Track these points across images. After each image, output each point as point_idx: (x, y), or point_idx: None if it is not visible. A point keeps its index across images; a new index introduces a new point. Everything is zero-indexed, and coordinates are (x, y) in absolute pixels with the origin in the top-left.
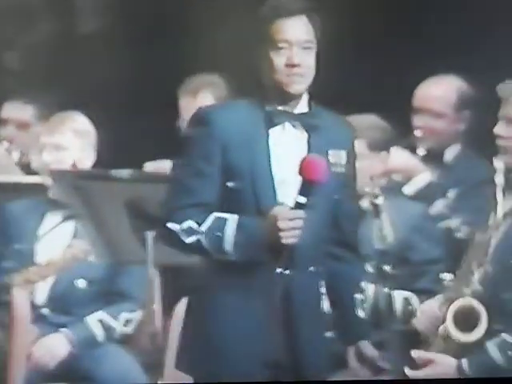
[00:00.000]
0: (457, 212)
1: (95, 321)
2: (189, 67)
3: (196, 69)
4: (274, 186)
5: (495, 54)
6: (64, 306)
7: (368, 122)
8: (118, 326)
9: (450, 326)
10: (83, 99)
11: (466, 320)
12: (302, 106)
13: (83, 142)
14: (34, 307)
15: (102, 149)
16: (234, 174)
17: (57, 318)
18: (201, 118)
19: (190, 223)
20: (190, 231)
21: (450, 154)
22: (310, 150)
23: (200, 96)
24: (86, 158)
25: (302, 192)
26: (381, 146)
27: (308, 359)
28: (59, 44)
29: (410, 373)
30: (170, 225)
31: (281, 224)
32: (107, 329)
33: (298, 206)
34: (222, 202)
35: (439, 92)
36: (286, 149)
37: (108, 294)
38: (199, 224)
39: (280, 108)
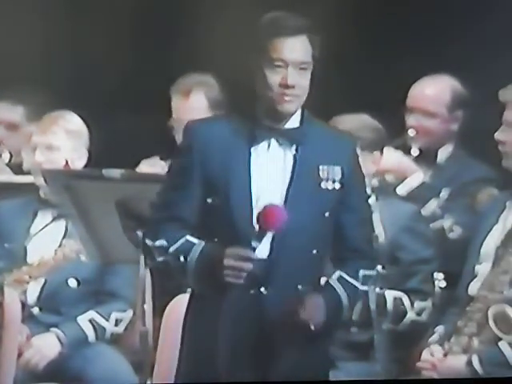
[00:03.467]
0: (449, 212)
1: (86, 320)
2: (181, 66)
3: (188, 68)
4: (251, 207)
5: (489, 54)
6: (55, 306)
7: (360, 121)
8: (109, 326)
9: (494, 330)
10: (75, 99)
11: (506, 323)
12: (292, 122)
13: (76, 142)
14: (25, 307)
15: (94, 148)
16: (213, 191)
17: (47, 318)
18: (185, 132)
19: (162, 242)
20: (161, 250)
21: (443, 154)
22: (296, 165)
23: (192, 96)
24: (78, 158)
25: (257, 238)
26: (373, 145)
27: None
28: (51, 42)
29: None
30: (146, 240)
31: (226, 262)
32: (98, 328)
33: (253, 249)
34: (201, 219)
35: (433, 92)
36: (270, 167)
37: (99, 293)
38: (170, 244)
39: (267, 124)
